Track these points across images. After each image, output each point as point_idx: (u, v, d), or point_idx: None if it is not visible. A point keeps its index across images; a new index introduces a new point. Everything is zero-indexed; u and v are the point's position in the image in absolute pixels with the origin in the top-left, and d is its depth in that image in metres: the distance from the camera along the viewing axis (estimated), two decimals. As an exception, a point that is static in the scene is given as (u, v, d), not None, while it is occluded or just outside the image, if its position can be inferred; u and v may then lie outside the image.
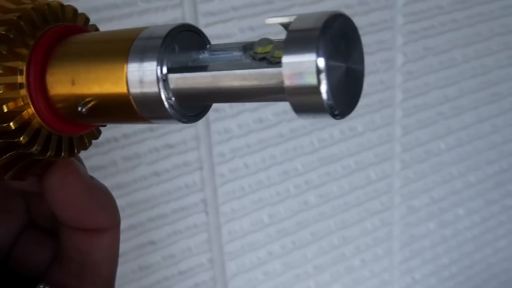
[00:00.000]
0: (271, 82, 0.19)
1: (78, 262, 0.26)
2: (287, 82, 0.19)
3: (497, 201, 0.73)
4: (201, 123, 0.45)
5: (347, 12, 0.49)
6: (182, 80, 0.21)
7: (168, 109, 0.21)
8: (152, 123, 0.22)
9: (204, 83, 0.21)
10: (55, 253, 0.28)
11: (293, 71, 0.18)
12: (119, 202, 0.43)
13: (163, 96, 0.21)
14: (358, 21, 0.51)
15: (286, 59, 0.18)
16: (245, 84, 0.20)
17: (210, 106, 0.24)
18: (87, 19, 0.25)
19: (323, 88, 0.18)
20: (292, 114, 0.49)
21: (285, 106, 0.50)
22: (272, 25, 0.20)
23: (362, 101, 0.52)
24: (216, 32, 0.44)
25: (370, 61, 0.54)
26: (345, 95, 0.19)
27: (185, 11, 0.42)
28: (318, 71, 0.18)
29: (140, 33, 0.22)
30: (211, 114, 0.46)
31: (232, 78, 0.20)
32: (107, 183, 0.42)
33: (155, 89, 0.21)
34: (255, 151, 0.49)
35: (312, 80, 0.18)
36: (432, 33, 0.57)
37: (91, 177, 0.26)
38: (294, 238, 0.55)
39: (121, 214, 0.43)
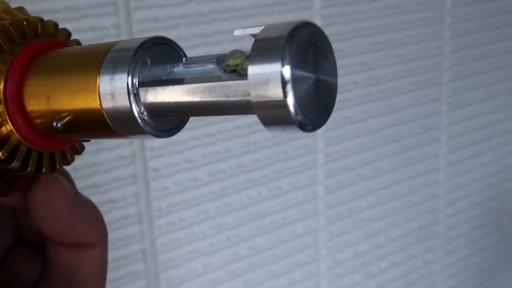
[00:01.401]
0: (238, 95, 0.19)
1: (65, 278, 0.26)
2: (253, 94, 0.18)
3: (418, 255, 0.80)
4: (140, 181, 0.52)
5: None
6: (153, 94, 0.20)
7: (141, 124, 0.21)
8: (128, 138, 0.22)
9: (174, 97, 0.20)
10: (43, 270, 0.27)
11: (258, 82, 0.18)
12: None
13: (134, 110, 0.20)
14: (281, 94, 0.59)
15: (251, 70, 0.18)
16: (213, 97, 0.19)
17: (187, 119, 0.23)
18: (68, 34, 0.25)
19: (290, 100, 0.18)
20: (224, 173, 0.56)
21: (217, 167, 0.57)
22: (240, 37, 0.21)
23: (287, 163, 0.59)
24: None
25: (293, 129, 0.61)
26: (315, 108, 0.19)
27: (119, 19, 0.48)
28: (284, 82, 0.17)
29: (113, 46, 0.21)
30: (150, 173, 0.52)
31: (201, 92, 0.20)
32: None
33: (127, 103, 0.20)
34: (190, 206, 0.56)
35: (278, 92, 0.18)
36: (349, 105, 0.66)
37: (77, 193, 0.25)
38: (227, 287, 0.61)
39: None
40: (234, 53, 0.20)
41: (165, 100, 0.20)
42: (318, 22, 0.60)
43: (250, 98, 0.18)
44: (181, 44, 0.51)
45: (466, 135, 0.80)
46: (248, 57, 0.19)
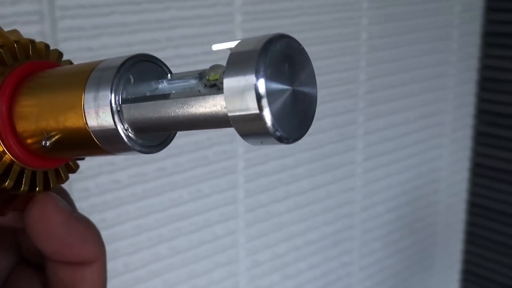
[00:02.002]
0: (216, 109, 0.19)
1: None
2: (229, 108, 0.18)
3: (335, 257, 0.85)
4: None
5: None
6: (136, 110, 0.21)
7: (126, 140, 0.21)
8: (117, 155, 0.22)
9: (155, 112, 0.20)
10: None
11: (234, 96, 0.18)
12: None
13: (119, 127, 0.21)
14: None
15: (226, 84, 0.18)
16: (193, 112, 0.20)
17: (173, 134, 0.23)
18: (60, 54, 0.25)
19: (266, 113, 0.18)
20: (146, 176, 0.58)
21: (139, 169, 0.59)
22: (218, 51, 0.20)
23: (208, 168, 0.63)
24: (76, 46, 0.53)
25: (214, 135, 0.65)
26: (293, 119, 0.19)
27: (45, 27, 0.50)
28: (259, 95, 0.17)
29: (98, 65, 0.22)
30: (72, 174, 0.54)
31: (181, 107, 0.20)
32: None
33: (110, 121, 0.21)
34: (111, 207, 0.58)
35: (253, 105, 0.18)
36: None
37: (73, 210, 0.25)
38: (147, 286, 0.64)
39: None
40: (215, 67, 0.20)
41: (148, 116, 0.21)
42: (238, 35, 0.64)
43: (226, 111, 0.18)
44: (104, 52, 0.54)
45: (381, 144, 0.85)
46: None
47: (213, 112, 0.19)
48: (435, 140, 0.95)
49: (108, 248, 0.58)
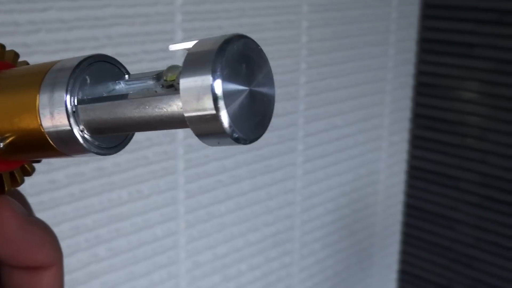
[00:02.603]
0: (172, 109, 0.19)
1: None
2: (185, 108, 0.18)
3: (276, 258, 0.85)
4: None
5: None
6: (92, 111, 0.20)
7: (82, 142, 0.21)
8: (74, 157, 0.22)
9: (111, 113, 0.20)
10: None
11: (190, 96, 0.18)
12: None
13: (74, 129, 0.20)
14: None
15: (183, 84, 0.18)
16: (150, 112, 0.20)
17: (131, 136, 0.23)
18: (16, 55, 0.25)
19: (223, 114, 0.18)
20: (83, 176, 0.57)
21: (76, 169, 0.58)
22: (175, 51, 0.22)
23: (148, 168, 0.62)
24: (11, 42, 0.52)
25: (154, 135, 0.64)
26: (250, 120, 0.19)
27: None
28: (215, 96, 0.17)
29: (53, 66, 0.21)
30: (6, 174, 0.53)
31: (137, 107, 0.20)
32: None
33: (66, 122, 0.20)
34: (47, 208, 0.57)
35: (209, 106, 0.17)
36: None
37: (29, 214, 0.25)
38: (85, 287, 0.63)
39: None
40: (172, 68, 0.20)
41: (104, 117, 0.20)
42: (178, 35, 0.64)
43: (183, 112, 0.18)
44: (41, 49, 0.53)
45: (321, 146, 0.87)
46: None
47: (169, 113, 0.19)
48: (373, 143, 0.97)
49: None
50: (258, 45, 0.19)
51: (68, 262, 0.60)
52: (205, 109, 0.18)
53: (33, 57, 0.52)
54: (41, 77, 0.21)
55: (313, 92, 0.82)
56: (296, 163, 0.84)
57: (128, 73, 0.22)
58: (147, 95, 0.20)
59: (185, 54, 0.19)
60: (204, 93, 0.17)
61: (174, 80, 0.19)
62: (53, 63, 0.22)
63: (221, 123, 0.18)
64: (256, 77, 0.19)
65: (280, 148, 0.80)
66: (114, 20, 0.58)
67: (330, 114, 0.87)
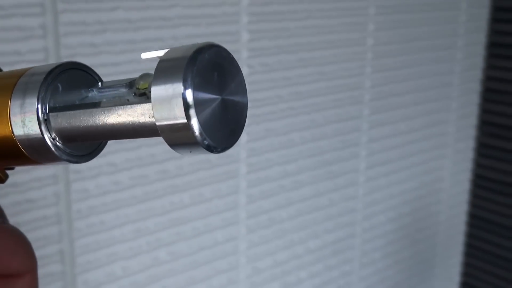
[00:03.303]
0: (144, 118, 0.19)
1: None
2: (157, 117, 0.18)
3: (335, 266, 0.83)
4: (61, 182, 0.52)
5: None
6: (63, 119, 0.20)
7: (54, 150, 0.21)
8: (46, 164, 0.22)
9: (83, 121, 0.20)
10: None
11: (161, 105, 0.18)
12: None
13: (46, 137, 0.20)
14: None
15: (154, 93, 0.18)
16: (121, 121, 0.19)
17: (104, 144, 0.23)
18: None
19: (194, 123, 0.17)
20: (147, 178, 0.57)
21: (140, 171, 0.58)
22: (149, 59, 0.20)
23: (210, 171, 0.61)
24: (78, 42, 0.51)
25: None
26: (223, 128, 0.19)
27: (46, 20, 0.48)
28: (186, 104, 0.17)
29: (25, 73, 0.21)
30: (71, 174, 0.53)
31: (109, 115, 0.20)
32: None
33: (37, 130, 0.20)
34: (111, 209, 0.56)
35: (181, 114, 0.17)
36: (273, 117, 0.68)
37: (3, 221, 0.25)
38: (146, 291, 0.62)
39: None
40: (144, 76, 0.20)
41: (75, 124, 0.20)
42: (245, 36, 0.62)
43: (154, 120, 0.18)
44: (107, 49, 0.52)
45: (384, 152, 0.84)
46: None
47: (141, 121, 0.19)
48: (437, 150, 0.93)
49: (106, 251, 0.56)
50: (230, 54, 0.19)
51: (130, 265, 0.59)
52: (176, 118, 0.17)
53: (100, 57, 0.52)
54: (13, 84, 0.21)
55: (378, 96, 0.80)
56: (358, 170, 0.81)
57: (101, 80, 0.22)
58: (119, 103, 0.19)
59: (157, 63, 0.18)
60: (175, 102, 0.17)
61: (146, 88, 0.19)
62: (25, 70, 0.21)
63: (192, 131, 0.17)
64: (228, 86, 0.19)
65: (343, 153, 0.78)
66: (180, 21, 0.57)
67: (394, 119, 0.84)
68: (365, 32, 0.76)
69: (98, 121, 0.20)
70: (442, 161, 0.95)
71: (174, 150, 0.19)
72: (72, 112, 0.20)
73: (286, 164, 0.72)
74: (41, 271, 0.53)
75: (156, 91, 0.18)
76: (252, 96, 0.65)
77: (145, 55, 0.20)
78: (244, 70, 0.63)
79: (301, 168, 0.74)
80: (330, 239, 0.81)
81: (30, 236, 0.51)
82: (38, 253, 0.52)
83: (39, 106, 0.20)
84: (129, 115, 0.19)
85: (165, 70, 0.18)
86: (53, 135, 0.20)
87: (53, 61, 0.50)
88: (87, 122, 0.20)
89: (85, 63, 0.23)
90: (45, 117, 0.20)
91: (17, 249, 0.25)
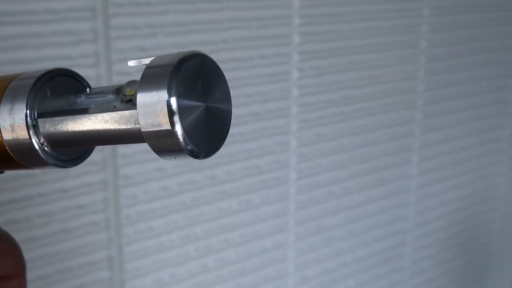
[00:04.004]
0: (129, 124, 0.19)
1: None
2: (142, 124, 0.18)
3: (385, 275, 0.81)
4: (110, 188, 0.52)
5: (246, 100, 0.58)
6: (52, 124, 0.21)
7: (42, 155, 0.21)
8: (34, 169, 0.22)
9: (71, 127, 0.21)
10: None
11: (146, 112, 0.18)
12: (31, 254, 0.48)
13: (34, 142, 0.21)
14: (257, 108, 0.60)
15: (139, 100, 0.18)
16: (108, 127, 0.20)
17: (92, 149, 0.23)
18: None
19: (178, 129, 0.18)
20: (196, 184, 0.56)
21: (189, 177, 0.57)
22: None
23: (259, 177, 0.60)
24: (129, 46, 0.50)
25: (267, 143, 0.62)
26: (207, 135, 0.19)
27: (97, 24, 0.48)
28: (171, 111, 0.18)
29: (14, 78, 0.22)
30: (120, 180, 0.52)
31: (96, 122, 0.20)
32: (20, 236, 0.47)
33: (26, 135, 0.21)
34: (159, 215, 0.56)
35: (165, 121, 0.18)
36: (323, 122, 0.66)
37: None
38: (193, 298, 0.61)
39: (32, 265, 0.48)
40: (131, 83, 0.20)
41: (63, 130, 0.21)
42: (295, 39, 0.61)
43: (140, 127, 0.18)
44: (158, 53, 0.51)
45: (437, 158, 0.81)
46: None
47: (127, 128, 0.19)
48: (492, 156, 0.90)
49: (154, 258, 0.56)
50: (214, 63, 0.20)
51: (177, 272, 0.59)
52: (160, 125, 0.18)
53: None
54: (2, 89, 0.21)
55: (431, 100, 0.77)
56: (410, 176, 0.79)
57: (89, 86, 0.23)
58: (105, 109, 0.20)
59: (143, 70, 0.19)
60: (160, 109, 0.18)
61: (132, 95, 0.20)
62: (15, 76, 0.22)
63: (176, 138, 0.18)
64: (212, 93, 0.19)
65: (394, 159, 0.76)
66: (230, 24, 0.56)
67: (448, 124, 0.81)
68: (418, 34, 0.73)
69: (85, 127, 0.20)
70: (496, 167, 0.91)
71: (159, 156, 0.19)
72: (60, 118, 0.21)
73: (336, 170, 0.70)
74: (89, 277, 0.52)
75: (142, 98, 0.18)
76: (302, 101, 0.63)
77: (131, 63, 0.20)
78: (295, 74, 0.62)
79: (351, 174, 0.72)
80: (380, 247, 0.79)
81: (79, 242, 0.51)
82: (87, 259, 0.52)
83: (28, 112, 0.21)
84: (116, 121, 0.20)
85: (151, 77, 0.18)
86: (42, 140, 0.21)
87: (104, 65, 0.49)
88: (75, 128, 0.21)
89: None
90: (34, 123, 0.21)
91: (5, 252, 0.25)
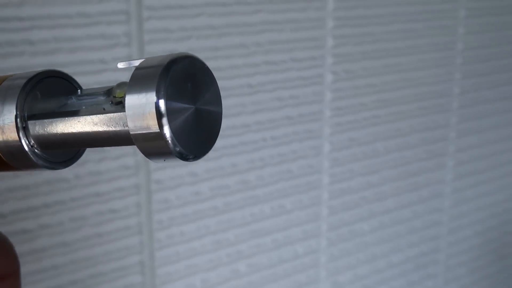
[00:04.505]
0: (118, 126, 0.19)
1: None
2: (131, 126, 0.18)
3: (418, 282, 0.79)
4: (143, 192, 0.51)
5: (279, 104, 0.57)
6: (42, 126, 0.21)
7: (32, 157, 0.21)
8: (25, 171, 0.22)
9: (60, 129, 0.21)
10: None
11: (135, 114, 0.18)
12: (63, 260, 0.48)
13: (24, 144, 0.21)
14: (290, 111, 0.59)
15: (128, 102, 0.18)
16: (97, 129, 0.20)
17: (82, 151, 0.23)
18: None
19: (166, 132, 0.18)
20: (228, 189, 0.55)
21: (221, 182, 0.56)
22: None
23: (291, 182, 0.59)
24: (162, 49, 0.50)
25: (300, 147, 0.61)
26: (196, 137, 0.19)
27: (131, 28, 0.48)
28: (159, 114, 0.18)
29: (4, 80, 0.22)
30: (153, 185, 0.52)
31: (85, 124, 0.20)
32: (53, 241, 0.47)
33: (16, 137, 0.21)
34: (191, 220, 0.55)
35: (154, 124, 0.18)
36: (356, 126, 0.65)
37: None
38: (224, 304, 0.60)
39: (64, 270, 0.48)
40: (121, 85, 0.20)
41: (53, 132, 0.21)
42: (329, 42, 0.60)
43: (128, 129, 0.18)
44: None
45: (472, 163, 0.80)
46: None
47: (116, 130, 0.19)
48: (528, 160, 0.88)
49: (186, 263, 0.55)
50: (204, 64, 0.20)
51: (209, 277, 0.58)
52: (149, 127, 0.18)
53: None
54: None
55: (467, 104, 0.76)
56: (445, 181, 0.77)
57: (80, 88, 0.23)
58: (95, 112, 0.20)
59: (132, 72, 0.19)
60: (148, 111, 0.18)
61: (122, 97, 0.19)
62: (5, 77, 0.22)
63: (165, 140, 0.18)
64: (202, 96, 0.19)
65: (428, 164, 0.74)
66: (264, 27, 0.55)
67: (484, 128, 0.79)
68: (454, 36, 0.72)
69: (74, 129, 0.20)
70: (533, 172, 0.89)
71: (148, 158, 0.19)
72: (50, 120, 0.21)
73: (369, 174, 0.69)
74: (121, 282, 0.52)
75: (130, 100, 0.18)
76: (335, 104, 0.62)
77: (120, 65, 0.21)
78: (328, 77, 0.61)
79: (385, 179, 0.70)
80: (413, 253, 0.77)
81: (111, 247, 0.51)
82: (118, 264, 0.52)
83: (18, 113, 0.21)
84: (105, 124, 0.20)
85: (140, 79, 0.18)
86: (32, 142, 0.21)
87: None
88: (64, 130, 0.20)
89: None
90: (24, 125, 0.21)
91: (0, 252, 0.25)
